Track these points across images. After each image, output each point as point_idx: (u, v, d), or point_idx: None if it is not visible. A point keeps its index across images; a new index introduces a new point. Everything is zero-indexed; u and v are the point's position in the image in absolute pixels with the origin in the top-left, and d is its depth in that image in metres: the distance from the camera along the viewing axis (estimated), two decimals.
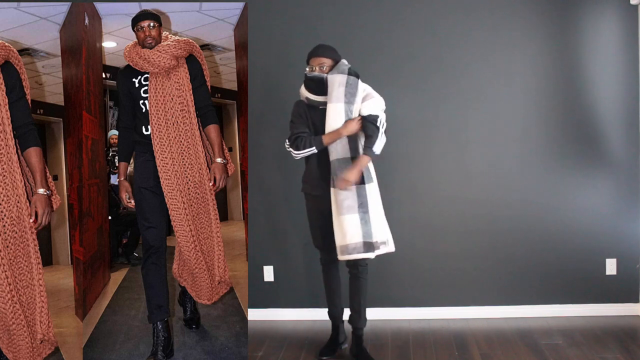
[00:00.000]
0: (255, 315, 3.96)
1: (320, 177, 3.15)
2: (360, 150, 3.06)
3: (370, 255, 3.01)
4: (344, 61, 3.13)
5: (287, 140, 3.19)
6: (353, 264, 3.15)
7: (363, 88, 3.10)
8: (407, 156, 3.80)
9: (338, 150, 3.04)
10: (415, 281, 3.87)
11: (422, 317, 3.85)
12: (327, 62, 3.11)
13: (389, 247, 3.11)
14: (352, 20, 3.79)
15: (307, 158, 3.18)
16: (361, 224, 2.98)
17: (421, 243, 3.84)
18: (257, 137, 3.92)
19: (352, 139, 3.06)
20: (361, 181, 3.02)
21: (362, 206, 2.99)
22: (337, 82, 3.03)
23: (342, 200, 2.99)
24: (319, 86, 3.07)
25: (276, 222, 3.94)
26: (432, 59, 3.78)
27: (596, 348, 3.25)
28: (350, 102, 3.04)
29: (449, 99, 3.78)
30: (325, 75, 3.07)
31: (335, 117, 3.03)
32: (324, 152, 3.10)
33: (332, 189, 3.05)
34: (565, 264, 3.77)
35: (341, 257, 3.04)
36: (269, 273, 3.97)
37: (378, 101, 3.11)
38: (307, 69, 3.12)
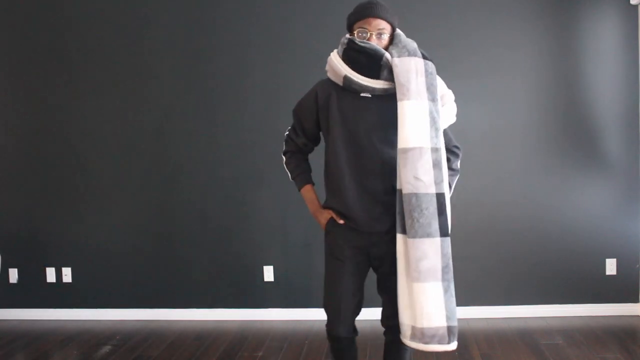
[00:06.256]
0: (255, 315, 3.96)
1: (364, 198, 2.13)
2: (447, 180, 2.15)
3: (454, 345, 2.06)
4: (402, 33, 2.20)
5: (287, 131, 2.36)
6: (393, 326, 2.22)
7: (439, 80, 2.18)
8: None
9: (420, 177, 2.02)
10: None
11: None
12: (388, 28, 2.14)
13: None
14: None
15: (333, 153, 2.16)
16: (445, 299, 2.04)
17: None
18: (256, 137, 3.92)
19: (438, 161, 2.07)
20: (445, 231, 2.06)
21: (447, 270, 2.06)
22: (413, 68, 2.08)
23: (419, 259, 2.02)
24: (373, 65, 2.07)
25: (276, 222, 3.94)
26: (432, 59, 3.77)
27: (596, 348, 3.25)
28: (435, 100, 2.10)
29: None
30: (387, 53, 2.08)
31: (417, 122, 2.04)
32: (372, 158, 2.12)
33: (400, 237, 2.07)
34: (565, 264, 3.77)
35: (411, 344, 2.10)
36: (269, 273, 3.97)
37: (454, 104, 2.32)
38: (357, 34, 2.12)
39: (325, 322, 2.26)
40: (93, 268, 4.08)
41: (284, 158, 2.35)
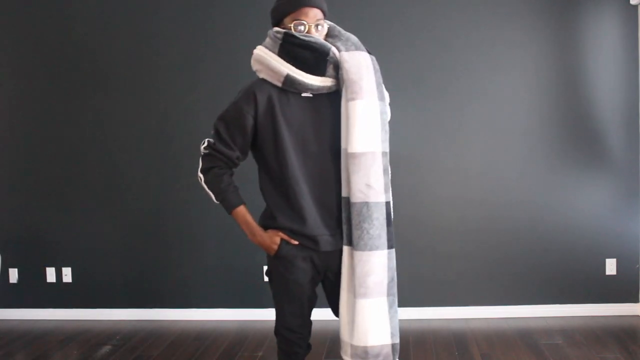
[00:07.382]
0: (255, 315, 3.96)
1: (323, 212, 1.93)
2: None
3: None
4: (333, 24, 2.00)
5: (203, 143, 1.98)
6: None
7: None
8: (407, 156, 3.80)
9: (372, 185, 1.84)
10: (415, 281, 3.86)
11: (422, 317, 3.85)
12: (323, 18, 1.91)
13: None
14: (351, 19, 3.79)
15: (283, 164, 1.90)
16: (389, 315, 1.92)
17: (421, 243, 3.84)
18: None
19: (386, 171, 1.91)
20: (392, 243, 1.93)
21: (392, 285, 1.94)
22: (363, 64, 1.87)
23: (367, 274, 1.86)
24: (319, 61, 1.84)
25: None
26: (432, 59, 3.77)
27: (596, 348, 3.25)
28: (383, 99, 1.92)
29: (448, 99, 3.77)
30: (333, 48, 1.86)
31: (369, 124, 1.84)
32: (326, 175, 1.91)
33: (346, 249, 1.91)
34: (565, 264, 3.77)
35: None
36: None
37: (389, 107, 2.07)
38: (293, 27, 1.85)
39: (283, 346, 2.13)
40: (93, 268, 4.08)
41: (202, 177, 1.96)
